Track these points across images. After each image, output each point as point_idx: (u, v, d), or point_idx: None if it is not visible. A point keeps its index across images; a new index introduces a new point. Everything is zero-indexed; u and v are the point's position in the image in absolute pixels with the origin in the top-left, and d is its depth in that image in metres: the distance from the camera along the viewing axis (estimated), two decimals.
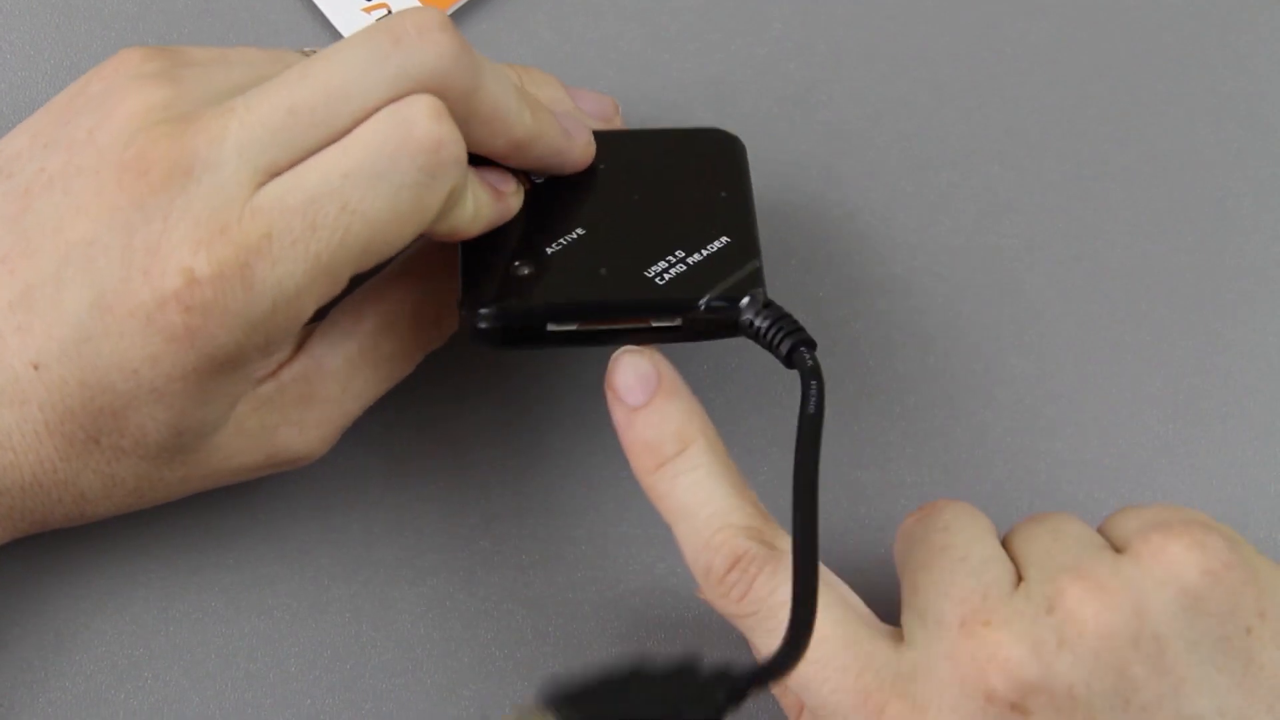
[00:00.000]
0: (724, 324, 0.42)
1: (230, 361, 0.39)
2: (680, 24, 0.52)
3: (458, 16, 0.51)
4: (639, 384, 0.41)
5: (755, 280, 0.42)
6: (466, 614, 0.45)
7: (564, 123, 0.43)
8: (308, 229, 0.39)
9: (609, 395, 0.42)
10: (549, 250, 0.43)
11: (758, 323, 0.42)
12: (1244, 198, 0.50)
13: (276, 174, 0.39)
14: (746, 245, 0.43)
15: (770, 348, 0.42)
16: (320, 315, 0.42)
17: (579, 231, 0.43)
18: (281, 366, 0.42)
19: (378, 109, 0.39)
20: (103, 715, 0.44)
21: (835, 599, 0.39)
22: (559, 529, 0.46)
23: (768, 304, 0.42)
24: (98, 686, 0.44)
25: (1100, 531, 0.41)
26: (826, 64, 0.52)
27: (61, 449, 0.40)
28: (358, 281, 0.42)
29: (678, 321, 0.42)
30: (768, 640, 0.39)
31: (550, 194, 0.44)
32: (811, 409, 0.40)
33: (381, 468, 0.47)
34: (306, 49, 0.42)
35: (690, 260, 0.42)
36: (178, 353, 0.38)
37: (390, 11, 0.51)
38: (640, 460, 0.41)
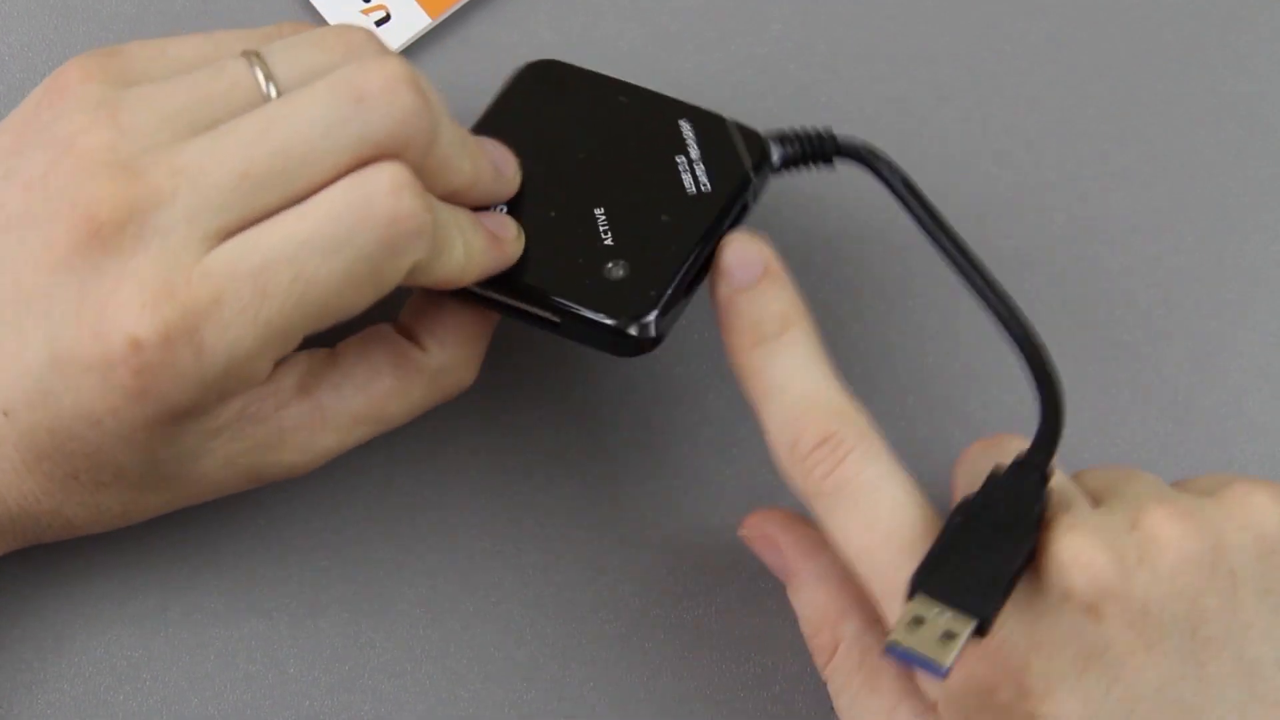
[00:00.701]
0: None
1: (191, 412, 0.39)
2: (680, 24, 0.52)
3: (457, 17, 0.51)
4: (746, 265, 0.42)
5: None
6: (465, 615, 0.45)
7: (493, 157, 0.43)
8: (258, 295, 0.38)
9: (716, 276, 0.42)
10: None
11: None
12: (1244, 198, 0.50)
13: (229, 235, 0.38)
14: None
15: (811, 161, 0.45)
16: (316, 340, 0.41)
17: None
18: (282, 410, 0.41)
19: (337, 173, 0.39)
20: (102, 716, 0.44)
21: (919, 490, 0.39)
22: (557, 530, 0.46)
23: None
24: (97, 688, 0.44)
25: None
26: (826, 64, 0.51)
27: (43, 485, 0.40)
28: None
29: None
30: (850, 517, 0.39)
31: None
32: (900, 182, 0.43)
33: (380, 468, 0.47)
34: (248, 49, 0.41)
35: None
36: (136, 406, 0.38)
37: (389, 14, 0.51)
38: (739, 338, 0.41)
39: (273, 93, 0.40)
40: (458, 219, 0.41)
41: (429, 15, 0.51)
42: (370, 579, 0.46)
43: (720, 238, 0.43)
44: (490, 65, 0.51)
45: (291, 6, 0.51)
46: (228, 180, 0.38)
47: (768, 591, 0.46)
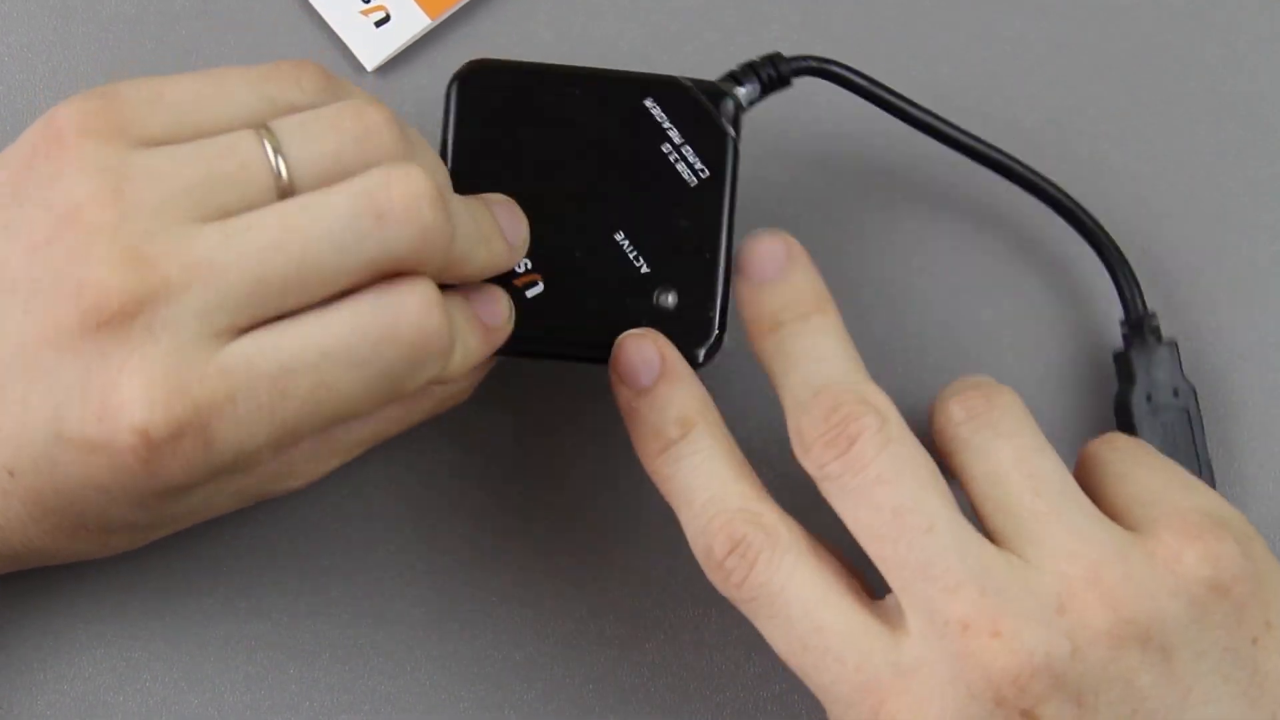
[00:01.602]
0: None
1: (197, 487, 0.39)
2: (680, 24, 0.52)
3: (457, 17, 0.51)
4: (643, 368, 0.42)
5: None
6: (465, 615, 0.45)
7: (505, 225, 0.42)
8: (277, 396, 0.38)
9: (613, 379, 0.42)
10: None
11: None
12: (1244, 198, 0.50)
13: (240, 332, 0.38)
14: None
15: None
16: None
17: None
18: (293, 448, 0.41)
19: (352, 284, 0.38)
20: (102, 717, 0.44)
21: (833, 584, 0.39)
22: (557, 531, 0.46)
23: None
24: (97, 688, 0.44)
25: (1093, 469, 0.41)
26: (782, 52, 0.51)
27: (50, 533, 0.40)
28: None
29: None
30: (771, 625, 0.39)
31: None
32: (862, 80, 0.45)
33: (380, 469, 0.47)
34: (259, 127, 0.40)
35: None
36: (143, 483, 0.38)
37: (388, 15, 0.51)
38: (644, 445, 0.41)
39: (283, 171, 0.39)
40: (461, 319, 0.41)
41: (428, 15, 0.51)
42: (370, 580, 0.46)
43: (730, 227, 0.43)
44: None
45: (290, 6, 0.51)
46: (243, 285, 0.37)
47: None
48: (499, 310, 0.42)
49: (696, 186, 0.43)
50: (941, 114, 0.47)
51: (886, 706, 0.38)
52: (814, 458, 0.40)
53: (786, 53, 0.46)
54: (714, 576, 0.40)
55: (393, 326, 0.38)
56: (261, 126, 0.39)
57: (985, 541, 0.39)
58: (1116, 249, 0.47)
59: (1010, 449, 0.40)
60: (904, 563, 0.38)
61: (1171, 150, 0.51)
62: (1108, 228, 0.48)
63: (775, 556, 0.39)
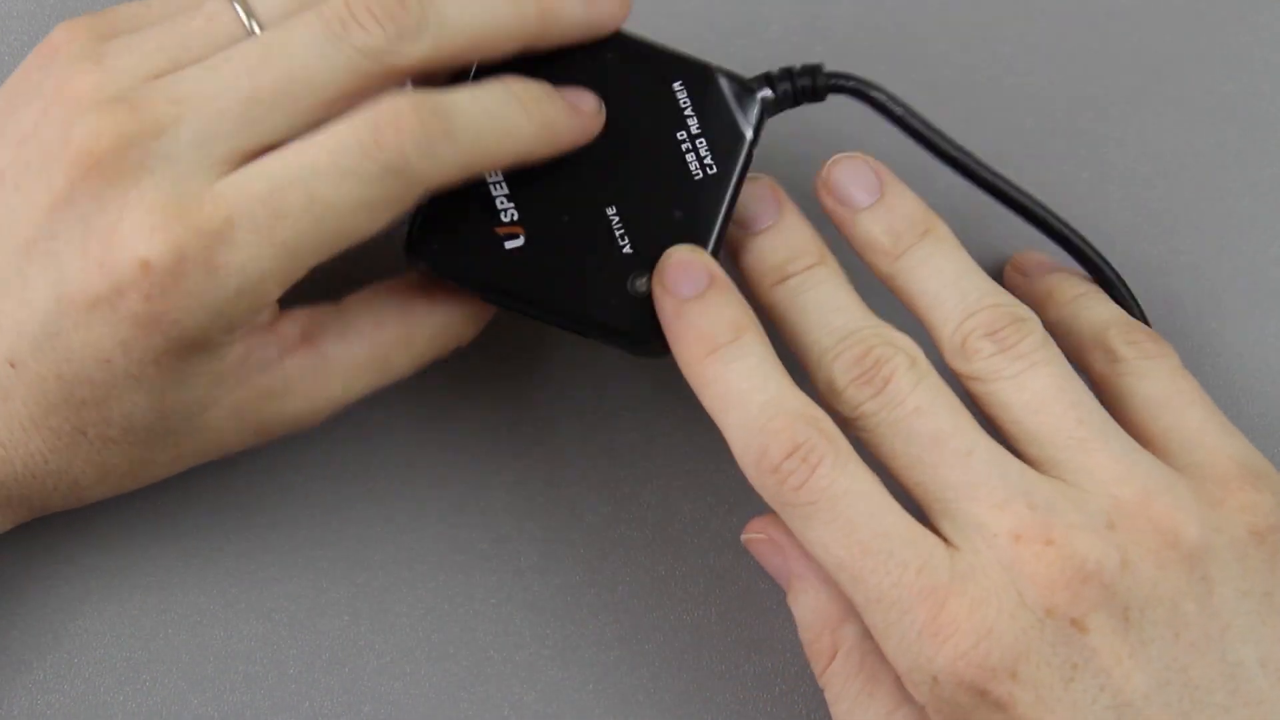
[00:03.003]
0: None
1: (199, 344, 0.39)
2: (679, 25, 0.52)
3: None
4: (690, 278, 0.41)
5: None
6: (464, 617, 0.45)
7: (567, 97, 0.42)
8: (272, 216, 0.38)
9: (657, 290, 0.41)
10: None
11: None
12: (1244, 198, 0.50)
13: (236, 164, 0.39)
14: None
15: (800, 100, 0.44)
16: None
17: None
18: (287, 357, 0.42)
19: (340, 95, 0.39)
20: (102, 717, 0.44)
21: (890, 497, 0.39)
22: (557, 532, 0.46)
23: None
24: (96, 689, 0.44)
25: (1121, 378, 0.41)
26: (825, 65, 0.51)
27: (50, 442, 0.40)
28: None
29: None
30: (829, 530, 0.39)
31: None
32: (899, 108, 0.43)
33: (379, 470, 0.47)
34: None
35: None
36: (146, 338, 0.38)
37: None
38: (690, 349, 0.41)
39: (254, 27, 0.40)
40: (517, 95, 0.40)
41: None
42: (370, 580, 0.46)
43: (723, 228, 0.43)
44: None
45: None
46: (234, 105, 0.39)
47: (768, 593, 0.46)
48: (587, 98, 0.42)
49: (701, 180, 0.43)
50: (971, 150, 0.46)
51: (947, 608, 0.37)
52: (848, 399, 0.40)
53: (824, 66, 0.45)
54: (765, 480, 0.39)
55: (374, 130, 0.38)
56: None
57: (1027, 467, 0.39)
58: (1137, 306, 0.47)
59: (1048, 378, 0.40)
60: (947, 484, 0.38)
61: (1171, 150, 0.51)
62: (1109, 226, 0.48)
63: (839, 462, 0.39)
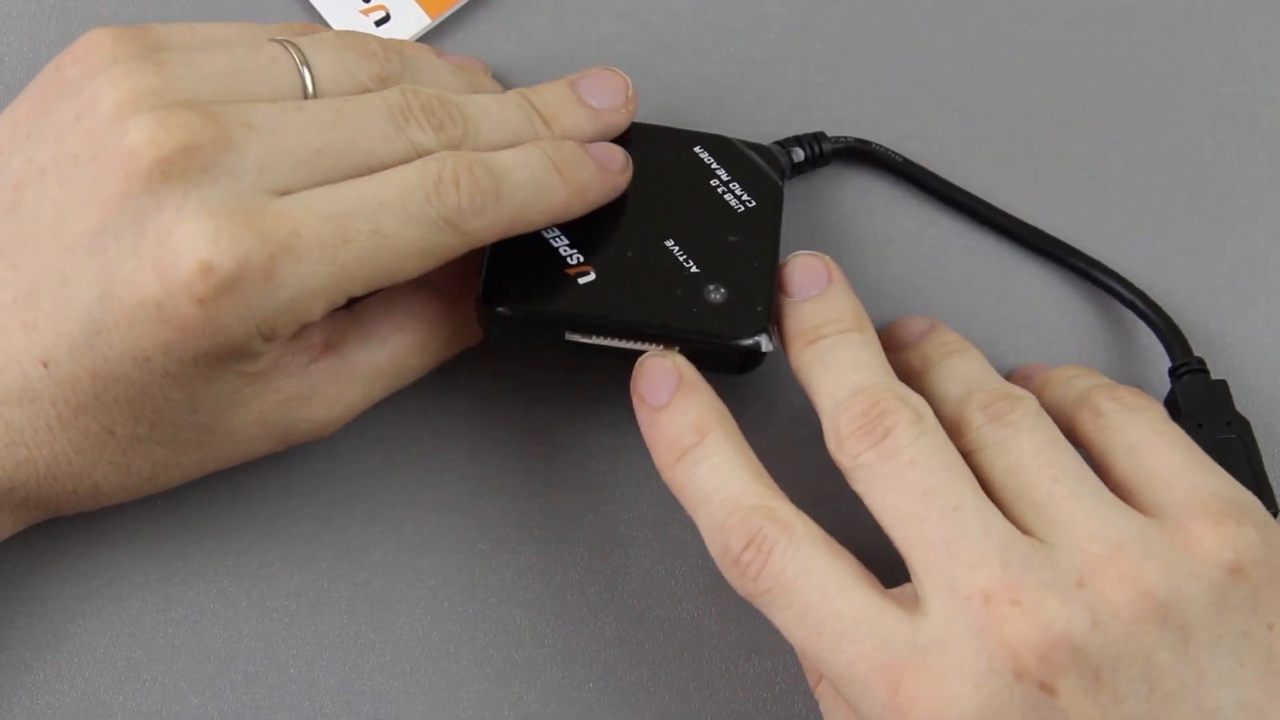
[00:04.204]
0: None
1: (239, 350, 0.39)
2: (679, 26, 0.52)
3: (456, 17, 0.51)
4: (661, 384, 0.42)
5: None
6: (465, 616, 0.46)
7: (597, 157, 0.44)
8: (338, 238, 0.39)
9: (634, 399, 0.43)
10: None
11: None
12: (1243, 199, 0.50)
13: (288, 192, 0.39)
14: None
15: None
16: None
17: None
18: (314, 363, 0.42)
19: (390, 165, 0.41)
20: (102, 716, 0.44)
21: (848, 572, 0.39)
22: (557, 531, 0.46)
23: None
24: (96, 688, 0.44)
25: (1103, 432, 0.41)
26: (824, 66, 0.51)
27: (76, 442, 0.40)
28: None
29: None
30: (786, 615, 0.39)
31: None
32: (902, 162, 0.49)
33: (381, 470, 0.47)
34: (279, 38, 0.42)
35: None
36: (190, 340, 0.38)
37: (388, 14, 0.51)
38: (662, 456, 0.42)
39: (307, 77, 0.41)
40: (554, 161, 0.43)
41: (428, 15, 0.51)
42: (370, 580, 0.46)
43: (778, 244, 0.45)
44: (489, 65, 0.51)
45: (291, 6, 0.51)
46: (302, 151, 0.40)
47: None
48: (615, 156, 0.44)
49: (744, 212, 0.45)
50: (971, 190, 0.49)
51: (904, 684, 0.38)
52: (848, 449, 0.40)
53: (829, 128, 0.49)
54: (730, 573, 0.40)
55: (437, 183, 0.40)
56: (284, 40, 0.42)
57: (1010, 524, 0.39)
58: (1161, 313, 0.47)
59: (1029, 443, 0.40)
60: (929, 541, 0.39)
61: (1171, 150, 0.51)
62: (1108, 226, 0.48)
63: (791, 547, 0.39)
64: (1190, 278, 0.50)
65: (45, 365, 0.39)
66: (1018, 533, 0.39)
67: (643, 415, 0.43)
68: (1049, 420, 0.41)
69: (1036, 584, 0.37)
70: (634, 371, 0.43)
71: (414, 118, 0.41)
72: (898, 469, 0.39)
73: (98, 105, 0.39)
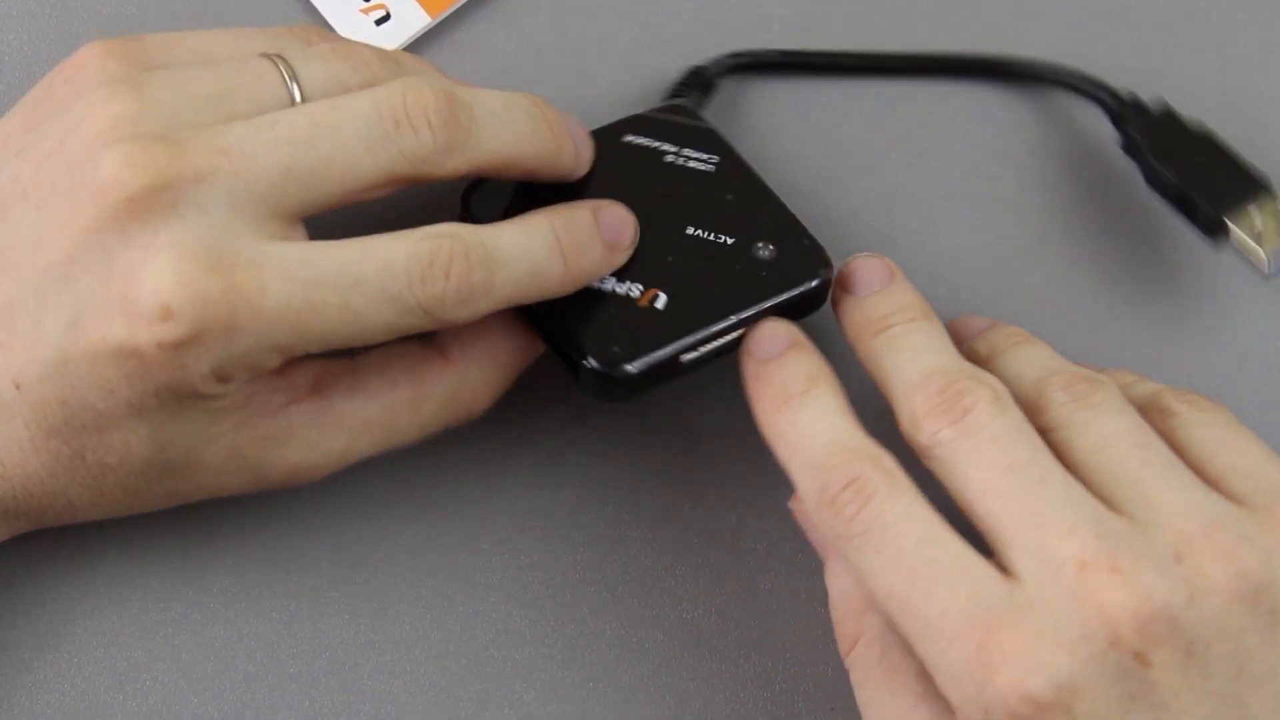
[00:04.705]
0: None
1: (194, 390, 0.39)
2: (679, 25, 0.52)
3: (456, 17, 0.51)
4: (771, 344, 0.42)
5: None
6: (465, 615, 0.45)
7: (606, 235, 0.43)
8: (304, 306, 0.38)
9: (743, 357, 0.43)
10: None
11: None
12: None
13: (261, 231, 0.39)
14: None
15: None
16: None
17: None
18: (293, 404, 0.42)
19: (371, 186, 0.40)
20: (101, 717, 0.44)
21: (947, 527, 0.39)
22: (557, 531, 0.46)
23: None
24: (96, 689, 0.44)
25: (1176, 431, 0.41)
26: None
27: (48, 465, 0.40)
28: None
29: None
30: (878, 559, 0.39)
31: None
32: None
33: (379, 468, 0.47)
34: (269, 52, 0.42)
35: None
36: (151, 375, 0.38)
37: (388, 13, 0.51)
38: (767, 403, 0.42)
39: (296, 93, 0.41)
40: (562, 243, 0.42)
41: (428, 15, 0.51)
42: (370, 579, 0.46)
43: (763, 179, 0.46)
44: (489, 65, 0.51)
45: (291, 6, 0.51)
46: (271, 173, 0.39)
47: (768, 592, 0.46)
48: (625, 231, 0.43)
49: (715, 170, 0.45)
50: (867, 48, 0.51)
51: (995, 639, 0.37)
52: (926, 429, 0.40)
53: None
54: (823, 513, 0.40)
55: (423, 269, 0.39)
56: (273, 54, 0.41)
57: (1098, 501, 0.39)
58: (1084, 76, 0.49)
59: (1115, 424, 0.40)
60: (1016, 513, 0.38)
61: None
62: (1108, 225, 0.48)
63: (894, 493, 0.39)
64: (1191, 277, 0.49)
65: (18, 387, 0.39)
66: (1106, 509, 0.38)
67: (750, 369, 0.42)
68: (1131, 406, 0.41)
69: (1134, 555, 0.37)
70: (748, 334, 0.43)
71: (407, 122, 0.40)
72: (979, 445, 0.39)
73: (78, 132, 0.39)
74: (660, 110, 0.47)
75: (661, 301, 0.43)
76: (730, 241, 0.44)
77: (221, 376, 0.39)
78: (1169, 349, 0.49)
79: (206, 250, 0.38)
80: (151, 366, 0.38)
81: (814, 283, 0.44)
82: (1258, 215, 0.46)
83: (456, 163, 0.41)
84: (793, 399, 0.41)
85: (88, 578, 0.45)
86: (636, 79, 0.49)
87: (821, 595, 0.43)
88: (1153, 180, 0.48)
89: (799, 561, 0.46)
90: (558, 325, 0.43)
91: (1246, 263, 0.47)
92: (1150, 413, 0.42)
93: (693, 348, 0.43)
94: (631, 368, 0.42)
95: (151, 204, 0.38)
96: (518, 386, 0.47)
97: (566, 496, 0.47)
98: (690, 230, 0.44)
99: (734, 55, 0.50)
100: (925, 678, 0.40)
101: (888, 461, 0.40)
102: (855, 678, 0.41)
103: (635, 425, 0.47)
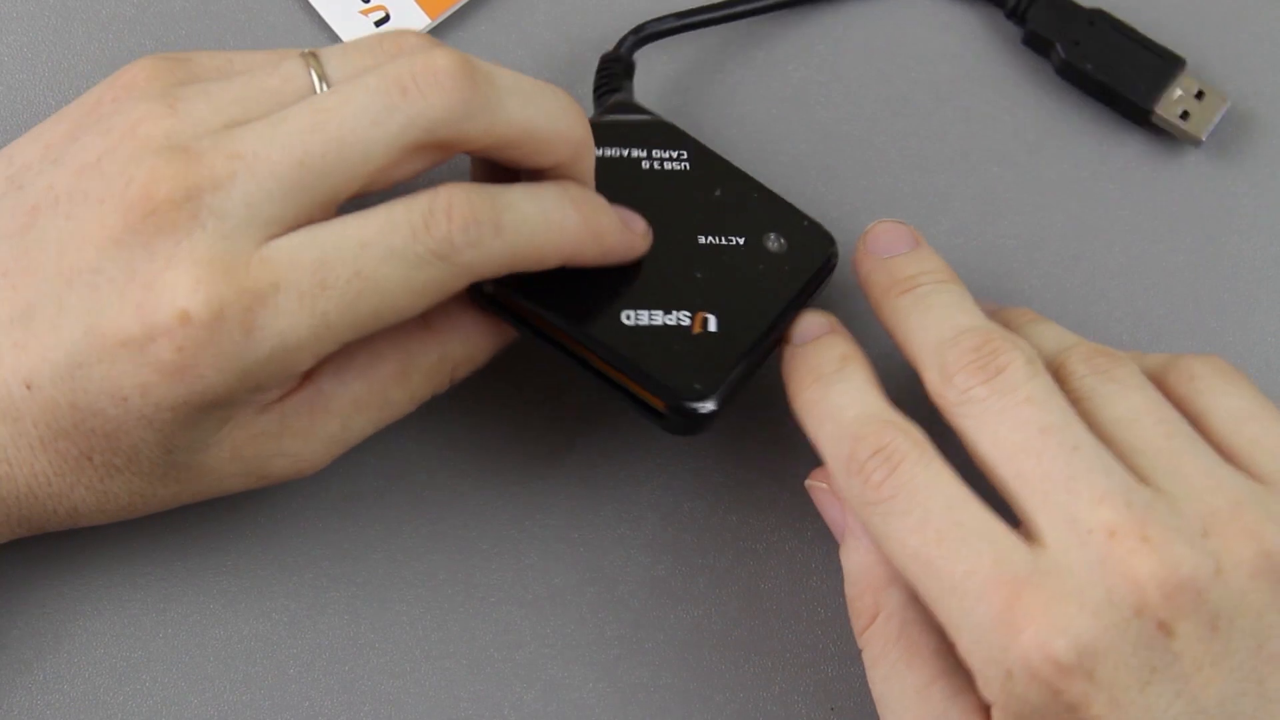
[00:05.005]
0: None
1: (220, 400, 0.39)
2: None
3: (456, 17, 0.51)
4: (811, 328, 0.43)
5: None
6: (465, 616, 0.45)
7: (620, 214, 0.43)
8: (317, 286, 0.39)
9: (784, 344, 0.43)
10: (685, 314, 0.43)
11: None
12: (1244, 198, 0.50)
13: (284, 227, 0.39)
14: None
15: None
16: None
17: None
18: (286, 397, 0.42)
19: (392, 162, 0.40)
20: (101, 717, 0.44)
21: (974, 495, 0.39)
22: (557, 531, 0.46)
23: None
24: (96, 689, 0.44)
25: (1198, 395, 0.41)
26: (825, 64, 0.51)
27: (55, 464, 0.40)
28: None
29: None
30: (904, 522, 0.39)
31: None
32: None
33: (379, 469, 0.47)
34: (305, 51, 0.42)
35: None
36: (168, 386, 0.38)
37: (388, 14, 0.51)
38: (800, 380, 0.42)
39: (322, 89, 0.41)
40: (572, 197, 0.42)
41: (428, 15, 0.51)
42: (370, 580, 0.46)
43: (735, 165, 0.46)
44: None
45: (291, 7, 0.51)
46: (285, 168, 0.39)
47: (767, 592, 0.46)
48: (637, 219, 0.44)
49: (690, 167, 0.45)
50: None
51: (1021, 600, 0.37)
52: (957, 383, 0.40)
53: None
54: (849, 480, 0.40)
55: (425, 215, 0.39)
56: (307, 54, 0.41)
57: (1129, 471, 0.39)
58: None
59: (1139, 398, 0.40)
60: (1047, 475, 0.38)
61: (1171, 150, 0.51)
62: (1108, 226, 0.48)
63: (922, 460, 0.39)
64: (1190, 277, 0.50)
65: (28, 387, 0.39)
66: (1136, 479, 0.38)
67: (788, 353, 0.43)
68: (1149, 382, 0.41)
69: (1164, 525, 0.37)
70: (792, 323, 0.43)
71: (415, 88, 0.40)
72: (1013, 404, 0.39)
73: (116, 149, 0.39)
74: (609, 112, 0.47)
75: (713, 324, 0.43)
76: (741, 242, 0.44)
77: (251, 385, 0.39)
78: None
79: (223, 256, 0.38)
80: (169, 375, 0.38)
81: (830, 260, 0.45)
82: (1180, 93, 0.49)
83: (479, 126, 0.40)
84: (825, 375, 0.42)
85: (88, 578, 0.45)
86: (636, 79, 0.49)
87: (822, 595, 0.44)
88: (1065, 72, 0.50)
89: (799, 562, 0.46)
90: (629, 372, 0.42)
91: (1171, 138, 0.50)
92: (1172, 374, 0.42)
93: (756, 358, 0.43)
94: (716, 400, 0.42)
95: (175, 216, 0.38)
96: (515, 387, 0.47)
97: (566, 496, 0.47)
98: (702, 240, 0.44)
99: (637, 30, 0.49)
100: (943, 655, 0.40)
101: (917, 433, 0.40)
102: (870, 655, 0.41)
103: (634, 426, 0.47)
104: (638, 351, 0.42)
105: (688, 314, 0.43)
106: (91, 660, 0.45)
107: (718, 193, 0.45)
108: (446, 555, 0.46)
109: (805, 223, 0.45)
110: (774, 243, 0.45)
